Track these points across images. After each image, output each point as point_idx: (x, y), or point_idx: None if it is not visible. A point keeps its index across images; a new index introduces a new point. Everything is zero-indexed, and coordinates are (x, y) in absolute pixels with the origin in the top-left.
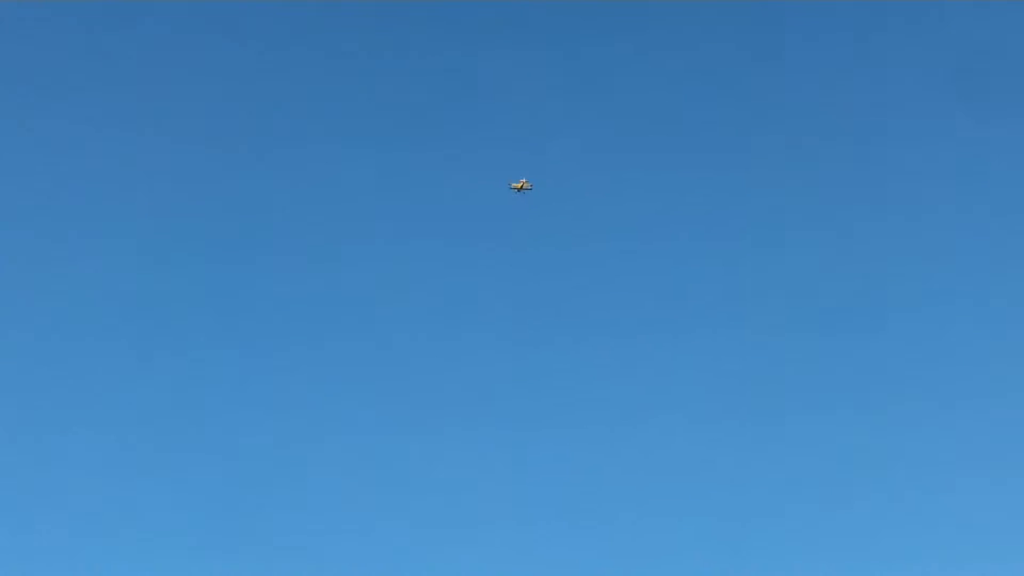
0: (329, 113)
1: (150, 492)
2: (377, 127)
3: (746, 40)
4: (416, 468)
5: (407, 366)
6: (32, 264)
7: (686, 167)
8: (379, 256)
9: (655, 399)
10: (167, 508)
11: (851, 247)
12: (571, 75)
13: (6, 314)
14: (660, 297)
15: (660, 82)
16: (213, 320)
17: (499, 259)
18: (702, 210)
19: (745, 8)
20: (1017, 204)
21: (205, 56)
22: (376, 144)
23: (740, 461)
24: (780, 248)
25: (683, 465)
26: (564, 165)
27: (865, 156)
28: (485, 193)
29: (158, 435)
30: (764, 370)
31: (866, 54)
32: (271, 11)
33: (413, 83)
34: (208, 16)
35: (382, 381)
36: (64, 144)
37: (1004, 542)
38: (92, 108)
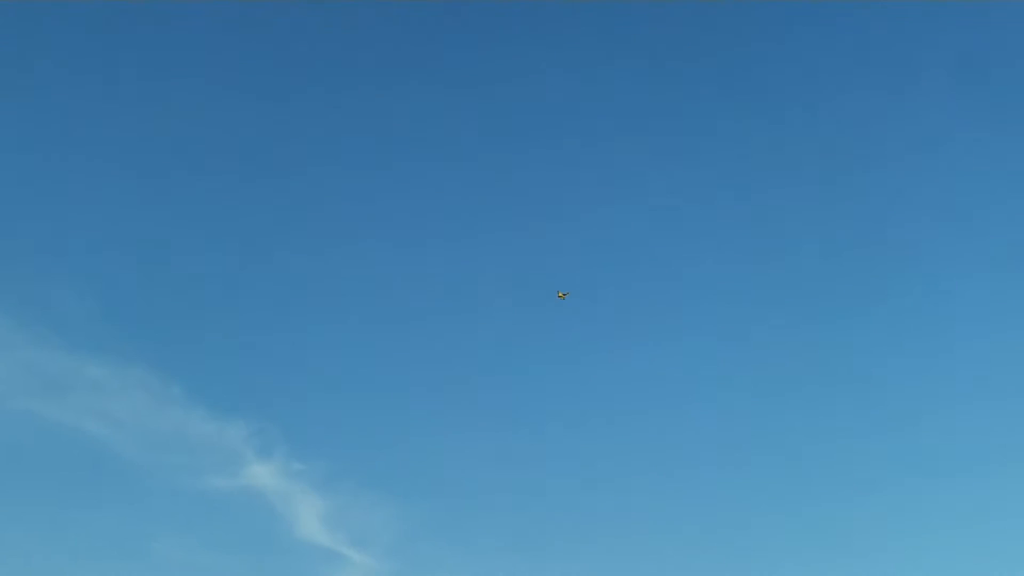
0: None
1: None
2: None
3: (746, 40)
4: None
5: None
6: None
7: (684, 166)
8: (383, 254)
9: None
10: None
11: (850, 247)
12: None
13: None
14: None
15: (658, 82)
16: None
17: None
18: (701, 211)
19: (745, 8)
20: (1017, 204)
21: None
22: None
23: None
24: (779, 248)
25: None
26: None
27: (865, 156)
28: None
29: None
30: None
31: (866, 54)
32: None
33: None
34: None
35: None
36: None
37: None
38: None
